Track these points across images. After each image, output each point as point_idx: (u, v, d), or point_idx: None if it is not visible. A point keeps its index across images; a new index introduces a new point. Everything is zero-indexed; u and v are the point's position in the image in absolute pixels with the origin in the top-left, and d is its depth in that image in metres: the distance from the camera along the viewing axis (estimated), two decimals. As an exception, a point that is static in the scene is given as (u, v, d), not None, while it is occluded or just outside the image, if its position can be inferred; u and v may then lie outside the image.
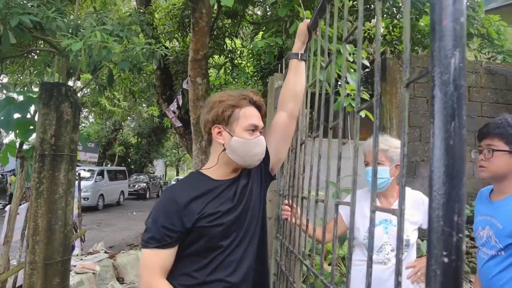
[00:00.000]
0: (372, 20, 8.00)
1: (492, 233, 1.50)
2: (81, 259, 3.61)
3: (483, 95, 5.19)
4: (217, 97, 1.40)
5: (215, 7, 8.31)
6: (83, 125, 19.99)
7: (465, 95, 0.50)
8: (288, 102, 1.53)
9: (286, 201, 1.78)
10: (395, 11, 7.26)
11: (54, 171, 2.28)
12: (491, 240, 1.50)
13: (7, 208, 2.96)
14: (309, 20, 1.47)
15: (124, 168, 18.59)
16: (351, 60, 2.74)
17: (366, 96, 2.65)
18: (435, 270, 0.46)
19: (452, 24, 0.50)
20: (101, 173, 15.09)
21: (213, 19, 8.09)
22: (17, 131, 2.78)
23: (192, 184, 1.37)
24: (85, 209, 13.51)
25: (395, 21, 7.42)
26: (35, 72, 3.70)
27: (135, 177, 21.11)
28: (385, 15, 7.59)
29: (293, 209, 1.58)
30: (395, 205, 1.91)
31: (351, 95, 2.60)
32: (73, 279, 3.04)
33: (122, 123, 20.33)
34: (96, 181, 14.33)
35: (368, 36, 7.96)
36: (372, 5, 7.10)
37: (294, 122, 1.55)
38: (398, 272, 0.60)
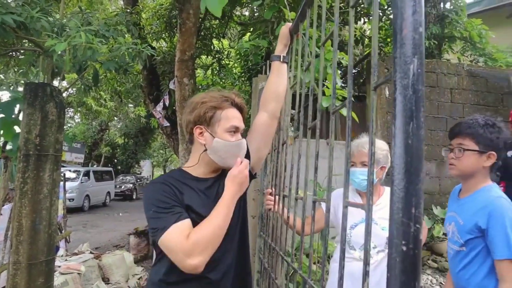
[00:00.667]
0: (359, 22, 8.13)
1: (456, 229, 1.57)
2: (66, 260, 3.59)
3: (464, 97, 5.32)
4: (199, 98, 1.42)
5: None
6: (68, 125, 19.73)
7: (424, 98, 0.54)
8: (270, 103, 1.57)
9: (269, 190, 1.81)
10: (380, 14, 7.40)
11: (38, 171, 2.27)
12: (455, 235, 1.57)
13: (-10, 208, 2.94)
14: (291, 24, 1.52)
15: (110, 168, 18.41)
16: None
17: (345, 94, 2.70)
18: (395, 258, 0.51)
19: (412, 33, 0.54)
20: (87, 174, 14.92)
21: (200, 19, 8.09)
22: (1, 131, 2.76)
23: (176, 176, 1.40)
24: (70, 210, 13.34)
25: (380, 23, 7.57)
26: (19, 72, 3.66)
27: (121, 177, 20.92)
28: (370, 18, 7.73)
29: (276, 200, 1.62)
30: (378, 203, 1.96)
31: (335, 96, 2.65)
32: (57, 279, 3.02)
33: (109, 123, 20.14)
34: (81, 182, 14.16)
35: (354, 38, 8.09)
36: (358, 8, 7.22)
37: (275, 123, 1.59)
38: (366, 262, 0.65)
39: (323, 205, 2.07)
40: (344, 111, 2.60)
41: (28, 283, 2.20)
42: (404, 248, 0.50)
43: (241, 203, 1.48)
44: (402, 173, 0.52)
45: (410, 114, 0.52)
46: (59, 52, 2.18)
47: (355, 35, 8.13)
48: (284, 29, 1.57)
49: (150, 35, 8.20)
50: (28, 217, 2.23)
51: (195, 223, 1.27)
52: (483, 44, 6.60)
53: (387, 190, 2.05)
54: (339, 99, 2.69)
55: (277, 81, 1.57)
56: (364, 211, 1.92)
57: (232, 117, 1.40)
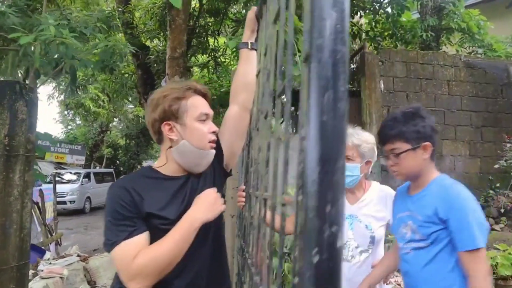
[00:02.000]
0: (355, 16, 7.99)
1: (415, 226, 1.47)
2: (50, 263, 3.50)
3: (462, 88, 5.18)
4: (160, 93, 1.33)
5: (197, 5, 8.23)
6: (69, 127, 19.73)
7: (345, 62, 0.42)
8: (240, 94, 1.47)
9: (242, 187, 1.71)
10: (377, 7, 7.26)
11: (8, 172, 2.18)
12: (415, 234, 1.47)
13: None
14: (256, 8, 1.40)
15: (111, 170, 18.38)
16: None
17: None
18: (305, 272, 0.39)
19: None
20: (87, 176, 14.89)
21: (195, 17, 8.01)
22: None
23: (142, 176, 1.32)
24: (71, 213, 13.32)
25: (378, 16, 7.43)
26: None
27: (123, 178, 20.87)
28: (367, 11, 7.59)
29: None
30: (362, 199, 1.85)
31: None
32: (38, 284, 2.93)
33: (109, 124, 20.12)
34: (82, 184, 14.13)
35: (351, 32, 7.96)
36: (353, 1, 7.08)
37: (247, 115, 1.48)
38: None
39: None
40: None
41: (-2, 290, 2.11)
42: (316, 259, 0.38)
43: None
44: (315, 160, 0.40)
45: (325, 84, 0.41)
46: (24, 47, 2.07)
47: (352, 29, 8.00)
48: (250, 14, 1.46)
49: (144, 34, 8.12)
50: (-3, 221, 2.14)
51: (158, 230, 1.19)
52: (481, 35, 6.45)
53: (373, 185, 1.94)
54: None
55: (246, 69, 1.47)
56: (349, 209, 1.78)
57: (198, 104, 1.31)
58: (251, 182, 1.24)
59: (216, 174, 1.43)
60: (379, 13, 7.23)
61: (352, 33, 7.87)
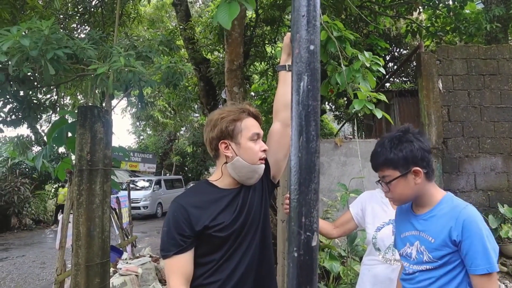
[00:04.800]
0: (414, 13, 7.73)
1: (423, 248, 1.40)
2: (127, 263, 3.93)
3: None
4: (218, 115, 1.52)
5: (253, 16, 8.53)
6: (141, 137, 21.22)
7: (316, 112, 0.57)
8: (280, 112, 1.63)
9: (287, 195, 1.86)
10: (437, 1, 6.96)
11: (91, 184, 2.55)
12: (424, 256, 1.40)
13: (59, 217, 3.34)
14: (289, 33, 1.56)
15: (180, 176, 19.42)
16: (368, 65, 2.75)
17: (383, 97, 2.63)
18: (289, 263, 0.54)
19: (304, 52, 0.58)
20: (158, 183, 15.91)
21: (252, 28, 8.30)
22: (70, 149, 3.14)
23: (200, 192, 1.51)
24: (145, 217, 14.33)
25: (438, 11, 7.12)
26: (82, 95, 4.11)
27: (191, 184, 21.97)
28: (426, 6, 7.30)
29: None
30: None
31: (368, 98, 2.60)
32: (117, 280, 3.34)
33: (177, 133, 21.30)
34: (154, 190, 15.13)
35: (410, 30, 7.71)
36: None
37: (289, 130, 1.62)
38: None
39: (351, 208, 2.05)
40: (377, 112, 2.54)
41: (86, 282, 2.48)
42: (295, 254, 0.53)
43: (262, 212, 1.53)
44: (295, 184, 0.55)
45: (300, 129, 0.56)
46: (100, 76, 2.43)
47: (412, 27, 7.74)
48: (286, 39, 1.61)
49: (204, 48, 8.58)
50: (84, 224, 2.51)
51: (213, 238, 1.38)
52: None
53: None
54: (373, 102, 2.64)
55: (284, 90, 1.62)
56: (391, 213, 1.87)
57: (251, 125, 1.50)
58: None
59: (264, 186, 1.59)
60: (440, 7, 6.94)
61: (411, 30, 7.63)
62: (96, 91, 3.83)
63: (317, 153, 0.55)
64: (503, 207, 4.01)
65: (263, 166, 1.50)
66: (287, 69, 1.62)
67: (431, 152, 1.47)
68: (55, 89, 3.93)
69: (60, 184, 13.75)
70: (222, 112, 1.52)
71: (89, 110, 2.57)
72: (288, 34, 1.60)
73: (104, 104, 3.17)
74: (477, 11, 6.69)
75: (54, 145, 3.34)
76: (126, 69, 2.64)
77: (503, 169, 4.41)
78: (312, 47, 0.57)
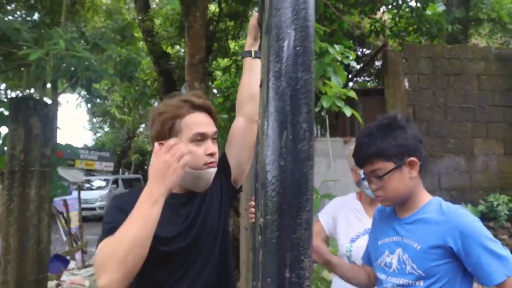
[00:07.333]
0: (378, 12, 7.77)
1: (407, 257, 1.21)
2: (73, 274, 3.55)
3: (494, 83, 4.89)
4: (156, 110, 1.27)
5: (216, 10, 8.25)
6: (98, 134, 20.29)
7: (309, 91, 0.34)
8: (245, 105, 1.40)
9: (252, 203, 1.64)
10: (400, 1, 7.02)
11: (24, 188, 2.21)
12: (406, 266, 1.21)
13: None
14: (257, 14, 1.33)
15: (139, 175, 18.73)
16: (339, 59, 2.58)
17: (353, 94, 2.47)
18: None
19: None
20: (115, 182, 15.24)
21: (215, 22, 8.02)
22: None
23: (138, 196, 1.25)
24: (101, 218, 13.53)
25: (401, 11, 7.18)
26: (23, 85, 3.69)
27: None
28: (390, 6, 7.35)
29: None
30: None
31: (336, 94, 2.43)
32: (60, 296, 2.98)
33: (136, 131, 20.55)
34: (110, 190, 14.46)
35: (374, 29, 7.74)
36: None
37: (254, 127, 1.39)
38: None
39: (321, 217, 1.86)
40: (346, 110, 2.38)
41: (18, 304, 2.13)
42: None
43: (221, 220, 1.30)
44: (273, 213, 0.32)
45: (283, 120, 0.33)
46: (36, 62, 2.09)
47: (375, 26, 7.78)
48: (252, 21, 1.39)
49: (165, 41, 8.19)
50: (15, 236, 2.18)
51: (157, 252, 1.10)
52: (514, 24, 6.10)
53: None
54: (342, 99, 2.47)
55: (251, 80, 1.40)
56: (367, 222, 1.67)
57: (193, 123, 1.22)
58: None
59: (224, 191, 1.36)
60: (403, 8, 6.99)
61: (375, 29, 7.66)
62: (39, 82, 3.43)
63: (310, 161, 0.31)
64: (467, 206, 4.03)
65: (212, 170, 1.25)
66: (253, 55, 1.39)
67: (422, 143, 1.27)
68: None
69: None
70: (160, 107, 1.26)
71: (22, 102, 2.21)
72: (255, 14, 1.37)
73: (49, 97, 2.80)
74: (438, 13, 6.81)
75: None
76: (69, 55, 2.31)
77: (466, 168, 4.44)
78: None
